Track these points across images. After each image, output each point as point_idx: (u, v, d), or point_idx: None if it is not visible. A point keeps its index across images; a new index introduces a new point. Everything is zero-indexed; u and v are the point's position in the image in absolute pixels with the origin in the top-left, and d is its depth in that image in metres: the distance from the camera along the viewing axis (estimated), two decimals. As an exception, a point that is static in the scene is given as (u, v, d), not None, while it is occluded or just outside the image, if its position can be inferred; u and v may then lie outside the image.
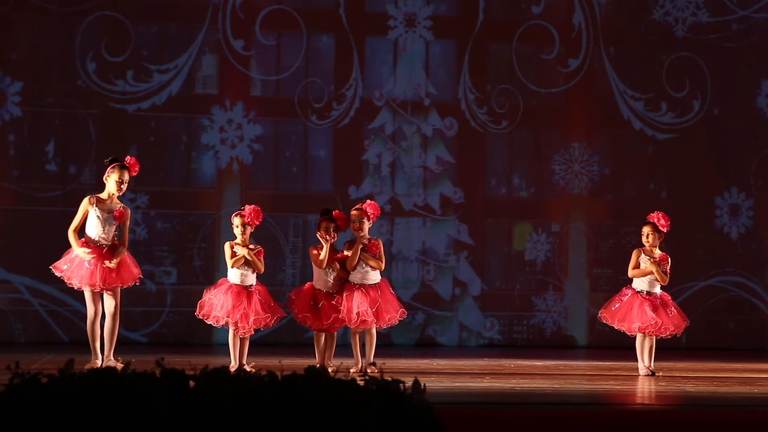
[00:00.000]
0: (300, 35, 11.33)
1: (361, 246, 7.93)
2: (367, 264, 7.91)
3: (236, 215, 7.93)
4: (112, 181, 7.90)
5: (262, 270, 7.86)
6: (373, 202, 8.16)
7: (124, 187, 7.93)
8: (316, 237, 8.11)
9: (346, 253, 7.99)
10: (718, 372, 8.72)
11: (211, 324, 7.96)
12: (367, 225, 8.01)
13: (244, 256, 7.77)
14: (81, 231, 8.00)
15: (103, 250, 7.77)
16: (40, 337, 10.66)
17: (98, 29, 10.97)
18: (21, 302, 10.76)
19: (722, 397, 6.66)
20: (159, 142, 11.11)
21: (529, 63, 11.72)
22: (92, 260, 7.69)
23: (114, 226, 7.87)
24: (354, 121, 11.39)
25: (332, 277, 7.93)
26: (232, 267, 7.77)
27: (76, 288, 7.89)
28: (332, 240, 7.94)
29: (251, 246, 7.87)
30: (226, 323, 7.73)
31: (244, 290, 7.74)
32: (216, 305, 7.73)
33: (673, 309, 8.30)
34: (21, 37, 10.90)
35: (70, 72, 10.90)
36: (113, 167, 7.91)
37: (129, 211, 8.02)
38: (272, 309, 7.78)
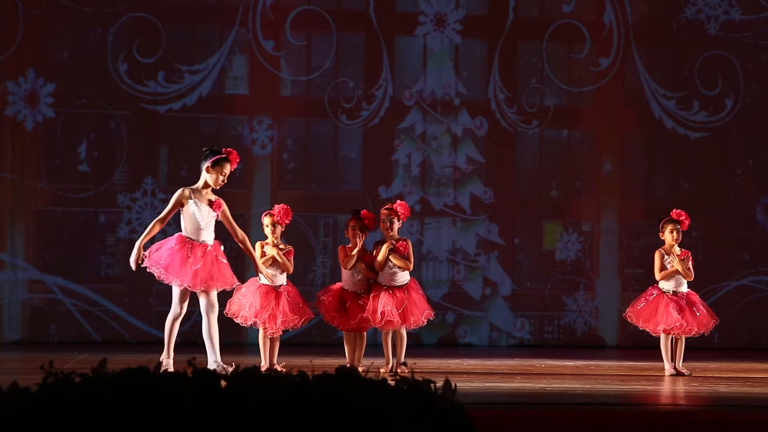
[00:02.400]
0: (330, 35, 11.35)
1: (389, 246, 7.92)
2: (395, 265, 7.89)
3: (266, 215, 7.96)
4: (214, 173, 7.41)
5: (291, 270, 7.87)
6: (403, 202, 8.15)
7: (224, 181, 7.50)
8: (346, 237, 8.12)
9: (375, 254, 7.98)
10: (751, 372, 8.66)
11: (239, 323, 7.98)
12: (397, 225, 8.00)
13: (273, 256, 7.79)
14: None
15: (206, 248, 7.37)
16: (73, 337, 10.74)
17: (130, 31, 11.04)
18: (54, 302, 10.84)
19: (755, 398, 6.61)
20: (190, 143, 11.15)
21: (559, 62, 11.68)
22: (198, 257, 7.25)
23: (214, 219, 7.45)
24: (384, 121, 11.39)
25: (359, 278, 7.93)
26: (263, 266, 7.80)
27: (172, 283, 7.37)
28: (362, 240, 7.93)
29: (281, 246, 7.89)
30: (254, 323, 7.75)
31: (273, 290, 7.76)
32: (244, 305, 7.75)
33: (701, 308, 8.24)
34: (53, 38, 10.99)
35: (102, 73, 10.97)
36: (216, 159, 7.43)
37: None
38: (300, 310, 7.78)
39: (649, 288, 8.39)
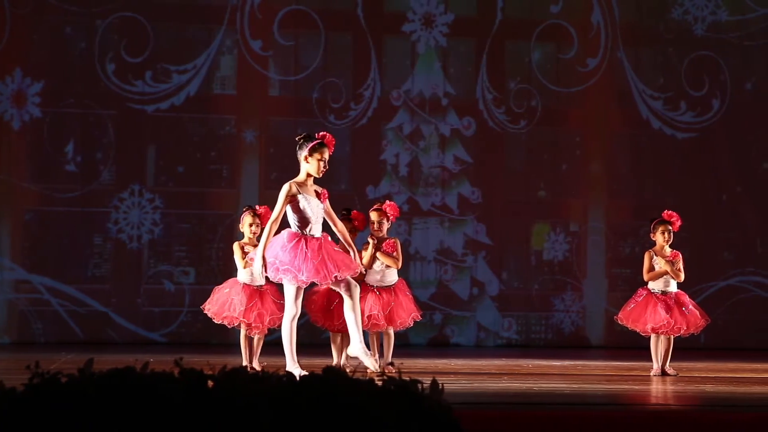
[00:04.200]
0: (318, 35, 11.35)
1: (375, 245, 7.89)
2: (383, 263, 7.87)
3: (246, 214, 7.88)
4: (314, 161, 7.00)
5: None
6: (392, 202, 8.13)
7: (326, 167, 7.08)
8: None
9: (363, 253, 7.97)
10: (738, 372, 8.68)
11: (225, 324, 7.91)
12: (386, 225, 7.99)
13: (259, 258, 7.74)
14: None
15: (320, 241, 7.01)
16: (60, 337, 10.71)
17: (117, 30, 11.02)
18: (40, 302, 10.81)
19: (741, 398, 6.63)
20: (178, 143, 11.14)
21: (547, 62, 11.70)
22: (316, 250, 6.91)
23: (323, 211, 7.07)
24: (372, 121, 11.40)
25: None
26: (245, 267, 7.74)
27: (297, 284, 6.94)
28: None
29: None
30: (239, 324, 7.71)
31: (256, 290, 7.73)
32: (229, 306, 7.70)
33: (690, 307, 8.26)
34: (41, 38, 10.96)
35: (90, 73, 10.95)
36: (313, 146, 7.03)
37: None
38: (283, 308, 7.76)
39: (639, 289, 8.41)
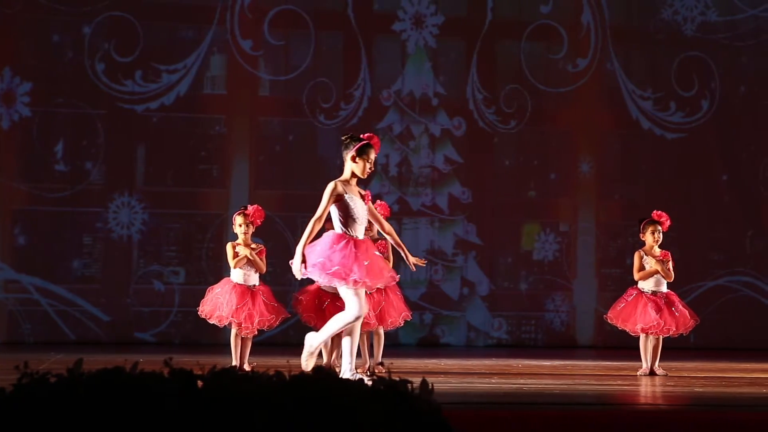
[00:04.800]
0: (308, 35, 11.34)
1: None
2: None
3: (238, 214, 7.91)
4: (361, 162, 6.80)
5: (264, 270, 7.85)
6: (383, 202, 8.13)
7: (372, 169, 6.89)
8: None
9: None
10: (727, 372, 8.70)
11: (215, 324, 7.94)
12: (376, 226, 7.98)
13: (246, 256, 7.76)
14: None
15: (365, 243, 6.82)
16: (49, 337, 10.69)
17: (107, 30, 10.99)
18: (30, 302, 10.78)
19: (730, 398, 6.64)
20: (168, 142, 11.13)
21: (537, 62, 11.72)
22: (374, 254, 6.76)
23: (366, 212, 6.87)
24: (362, 120, 11.39)
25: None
26: (236, 267, 7.78)
27: (349, 286, 6.67)
28: None
29: (253, 245, 7.86)
30: (230, 323, 7.73)
31: (248, 290, 7.74)
32: (220, 305, 7.72)
33: (680, 307, 8.27)
34: (30, 37, 10.93)
35: (79, 72, 10.93)
36: (361, 147, 6.82)
37: None
38: (276, 310, 7.78)
39: (629, 289, 8.42)
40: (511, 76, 11.66)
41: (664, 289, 8.30)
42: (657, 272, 8.25)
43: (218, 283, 7.93)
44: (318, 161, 11.35)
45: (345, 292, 6.73)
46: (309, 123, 11.32)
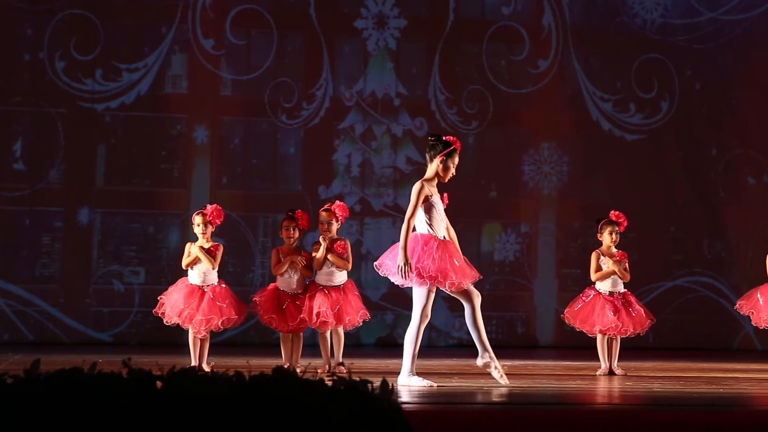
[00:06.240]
0: (270, 35, 11.31)
1: (327, 245, 7.90)
2: (332, 264, 7.88)
3: (197, 214, 7.88)
4: (449, 164, 6.81)
5: (213, 266, 7.74)
6: (342, 203, 8.12)
7: (454, 173, 6.87)
8: (281, 238, 8.09)
9: (314, 254, 7.96)
10: (685, 372, 8.78)
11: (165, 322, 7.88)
12: (335, 226, 7.99)
13: (197, 256, 7.71)
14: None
15: (448, 244, 6.91)
16: (7, 338, 10.59)
17: (67, 27, 10.91)
18: (-12, 302, 10.67)
19: (689, 397, 6.71)
20: (128, 142, 11.06)
21: (499, 64, 11.76)
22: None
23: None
24: (324, 121, 11.39)
25: (295, 278, 7.90)
26: (185, 267, 7.76)
27: (447, 288, 6.81)
28: (295, 241, 7.93)
29: (206, 245, 7.78)
30: (176, 323, 7.71)
31: (198, 290, 7.70)
32: (168, 304, 7.70)
33: (637, 307, 8.34)
34: (-12, 34, 10.82)
35: (39, 71, 10.83)
36: (450, 151, 6.82)
37: None
38: (222, 310, 7.67)
39: (586, 289, 8.47)
40: (473, 77, 11.69)
41: (621, 289, 8.36)
42: (614, 273, 8.31)
43: (175, 283, 7.89)
44: (279, 161, 11.32)
45: (420, 292, 6.82)
46: (271, 123, 11.29)
